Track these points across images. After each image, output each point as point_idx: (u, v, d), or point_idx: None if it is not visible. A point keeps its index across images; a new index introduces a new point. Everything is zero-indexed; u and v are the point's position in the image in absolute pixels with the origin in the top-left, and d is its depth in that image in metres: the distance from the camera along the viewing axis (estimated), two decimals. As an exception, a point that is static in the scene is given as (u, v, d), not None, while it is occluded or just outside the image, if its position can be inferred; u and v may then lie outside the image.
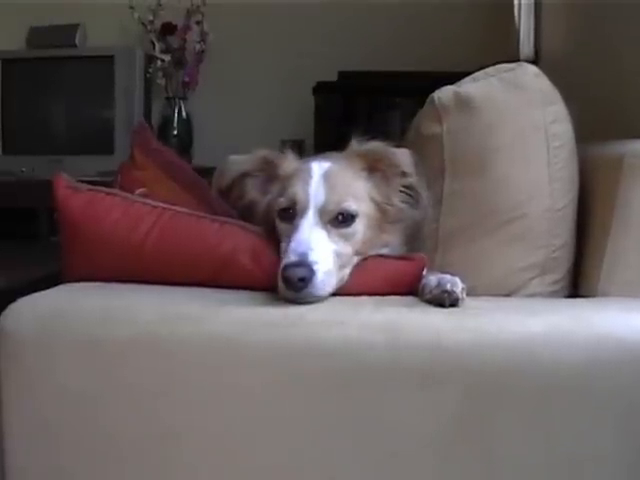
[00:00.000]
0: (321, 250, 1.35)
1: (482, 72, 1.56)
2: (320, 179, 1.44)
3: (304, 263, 1.31)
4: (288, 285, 1.31)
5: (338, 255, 1.38)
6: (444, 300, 1.33)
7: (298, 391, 1.29)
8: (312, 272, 1.31)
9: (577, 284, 1.56)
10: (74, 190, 1.46)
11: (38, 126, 4.11)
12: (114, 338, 1.31)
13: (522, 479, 1.27)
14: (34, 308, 1.35)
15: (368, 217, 1.46)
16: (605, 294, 1.46)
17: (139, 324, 1.32)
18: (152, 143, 1.76)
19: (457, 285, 1.34)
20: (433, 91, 1.57)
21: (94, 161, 3.77)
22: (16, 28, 4.18)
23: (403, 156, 1.50)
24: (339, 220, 1.41)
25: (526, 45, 3.12)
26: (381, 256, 1.47)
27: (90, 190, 1.47)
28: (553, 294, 1.53)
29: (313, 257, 1.32)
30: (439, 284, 1.35)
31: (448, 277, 1.36)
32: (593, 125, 1.80)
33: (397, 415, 1.27)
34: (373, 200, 1.48)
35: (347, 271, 1.40)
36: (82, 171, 3.55)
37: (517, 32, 3.13)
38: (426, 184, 1.49)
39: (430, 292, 1.35)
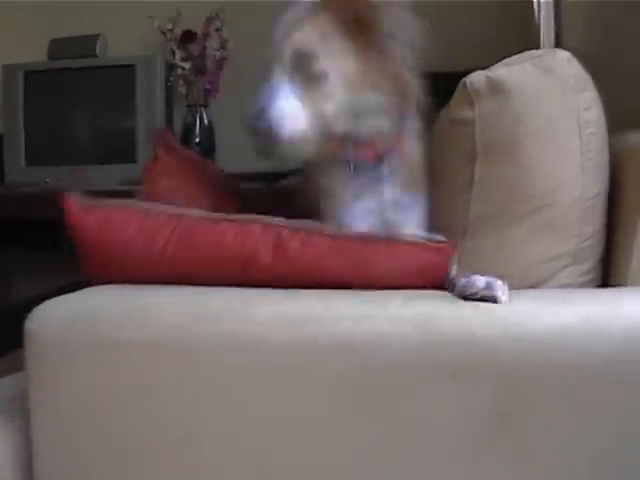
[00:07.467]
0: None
1: (515, 57, 1.53)
2: None
3: None
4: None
5: None
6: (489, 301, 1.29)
7: (326, 388, 1.27)
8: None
9: (607, 274, 1.52)
10: (86, 210, 1.40)
11: (61, 137, 4.13)
12: (136, 339, 1.30)
13: (557, 471, 1.24)
14: (58, 310, 1.34)
15: None
16: (635, 283, 1.43)
17: (162, 325, 1.30)
18: (174, 143, 1.76)
19: (505, 292, 1.30)
20: (454, 92, 1.55)
21: (117, 170, 3.80)
22: (37, 40, 4.20)
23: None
24: None
25: (547, 44, 3.09)
26: (407, 243, 1.43)
27: (102, 207, 1.42)
28: (584, 284, 1.49)
29: None
30: (489, 287, 1.30)
31: (499, 283, 1.31)
32: (615, 120, 1.78)
33: (429, 409, 1.24)
34: None
35: None
36: (106, 180, 3.61)
37: (537, 30, 3.10)
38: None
39: (477, 292, 1.30)
